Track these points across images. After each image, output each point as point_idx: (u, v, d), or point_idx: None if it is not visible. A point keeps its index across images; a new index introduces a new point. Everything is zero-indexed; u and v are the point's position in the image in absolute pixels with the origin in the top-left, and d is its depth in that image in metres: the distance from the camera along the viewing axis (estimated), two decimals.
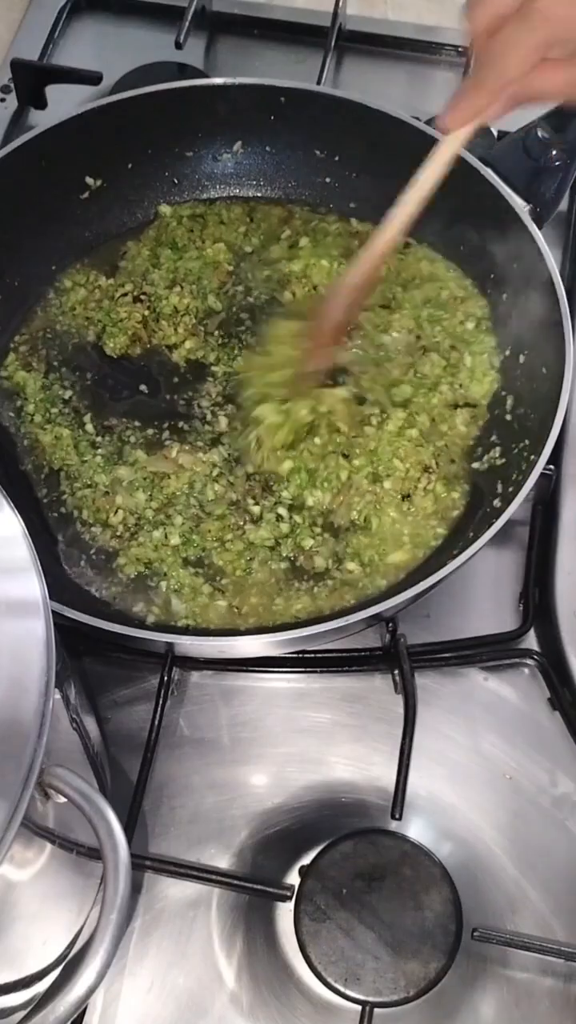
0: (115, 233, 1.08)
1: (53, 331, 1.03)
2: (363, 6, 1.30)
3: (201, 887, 0.82)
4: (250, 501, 0.92)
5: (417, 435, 0.94)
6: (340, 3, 1.23)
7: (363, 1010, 0.76)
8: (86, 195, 1.06)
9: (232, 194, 1.11)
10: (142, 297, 1.03)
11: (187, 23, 1.18)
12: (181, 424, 0.97)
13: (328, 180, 1.09)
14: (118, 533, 0.91)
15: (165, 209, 1.08)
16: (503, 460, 0.93)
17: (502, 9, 0.70)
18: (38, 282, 1.05)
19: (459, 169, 0.97)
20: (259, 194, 1.11)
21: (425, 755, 0.86)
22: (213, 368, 1.00)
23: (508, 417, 0.95)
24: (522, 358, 0.97)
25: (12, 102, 1.22)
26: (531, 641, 0.92)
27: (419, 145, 1.00)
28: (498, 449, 0.94)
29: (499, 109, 0.74)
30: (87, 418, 0.97)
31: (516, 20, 0.69)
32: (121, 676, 0.90)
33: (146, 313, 1.02)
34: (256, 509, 0.92)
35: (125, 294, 1.03)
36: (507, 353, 0.99)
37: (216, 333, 1.02)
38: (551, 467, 0.93)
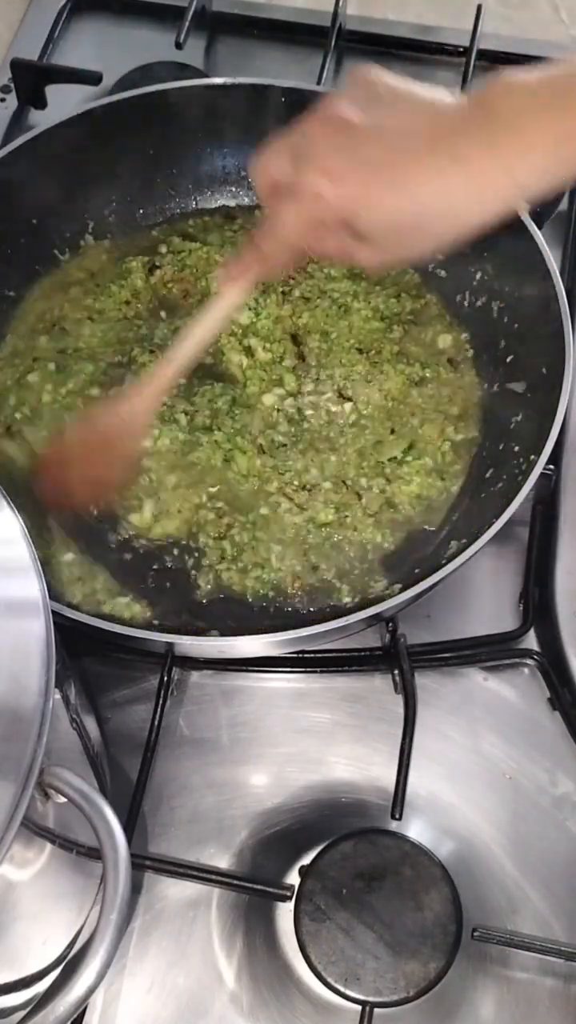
0: None
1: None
2: (363, 6, 1.30)
3: (201, 887, 0.82)
4: None
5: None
6: (340, 3, 1.23)
7: (363, 1010, 0.76)
8: (86, 195, 1.06)
9: (232, 193, 1.11)
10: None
11: (187, 23, 1.18)
12: None
13: None
14: None
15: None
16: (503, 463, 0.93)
17: (279, 177, 0.74)
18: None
19: None
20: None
21: (425, 755, 0.86)
22: None
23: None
24: (521, 358, 0.97)
25: (12, 102, 1.22)
26: (531, 641, 0.92)
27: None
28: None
29: (282, 265, 0.78)
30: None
31: (287, 195, 0.72)
32: (121, 676, 0.90)
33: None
34: None
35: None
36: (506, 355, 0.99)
37: None
38: (551, 467, 0.93)
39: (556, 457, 0.95)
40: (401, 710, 0.85)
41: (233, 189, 1.11)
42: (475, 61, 1.21)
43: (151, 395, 0.85)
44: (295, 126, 0.74)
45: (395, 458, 0.95)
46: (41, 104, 1.21)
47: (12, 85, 1.21)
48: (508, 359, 0.99)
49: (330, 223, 0.72)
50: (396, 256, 0.77)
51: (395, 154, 0.69)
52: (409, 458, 0.95)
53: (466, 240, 0.72)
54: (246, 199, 1.11)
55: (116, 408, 0.86)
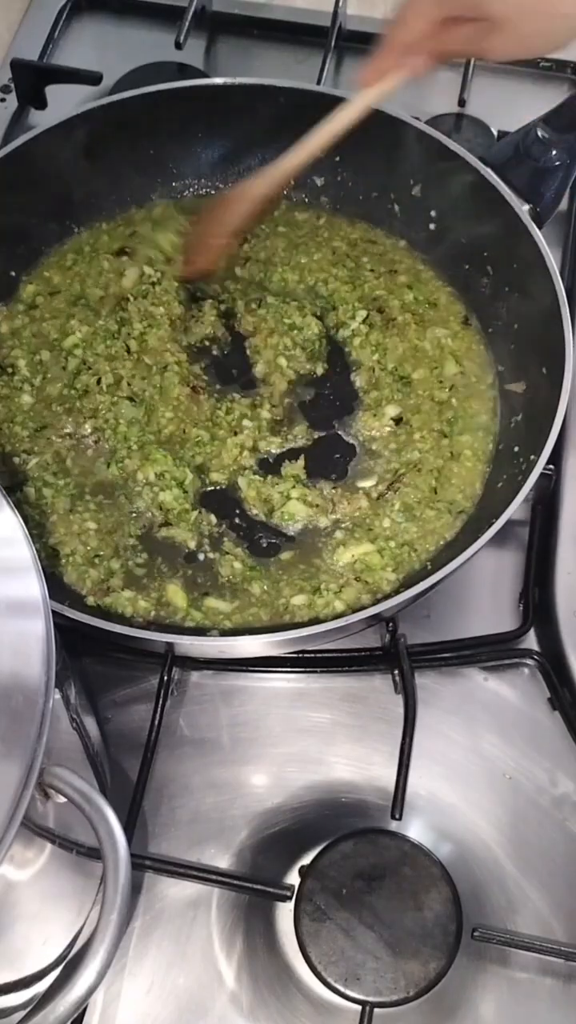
0: None
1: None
2: (363, 6, 1.30)
3: (201, 887, 0.82)
4: None
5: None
6: (340, 3, 1.23)
7: (363, 1010, 0.76)
8: (86, 195, 1.06)
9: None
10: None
11: (187, 23, 1.18)
12: None
13: (327, 180, 1.09)
14: None
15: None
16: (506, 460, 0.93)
17: None
18: None
19: (459, 169, 0.98)
20: None
21: (425, 755, 0.86)
22: None
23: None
24: (521, 358, 0.97)
25: (12, 102, 1.22)
26: (531, 641, 0.92)
27: (419, 145, 1.01)
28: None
29: (413, 66, 0.81)
30: None
31: None
32: (121, 676, 0.90)
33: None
34: None
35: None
36: (506, 355, 0.99)
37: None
38: (551, 467, 0.93)
39: (556, 457, 0.95)
40: (401, 710, 0.85)
41: (232, 188, 1.11)
42: (475, 61, 1.21)
43: (271, 177, 0.94)
44: None
45: None
46: (41, 104, 1.21)
47: (12, 85, 1.21)
48: (508, 359, 0.99)
49: (458, 5, 0.74)
50: (527, 43, 0.78)
51: None
52: None
53: None
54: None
55: (246, 181, 0.96)
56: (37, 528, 0.89)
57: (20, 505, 0.89)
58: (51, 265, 1.06)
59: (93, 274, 1.03)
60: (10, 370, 0.99)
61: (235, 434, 0.96)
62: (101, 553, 0.89)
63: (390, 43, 0.81)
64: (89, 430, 0.95)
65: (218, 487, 0.94)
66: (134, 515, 0.92)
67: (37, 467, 0.93)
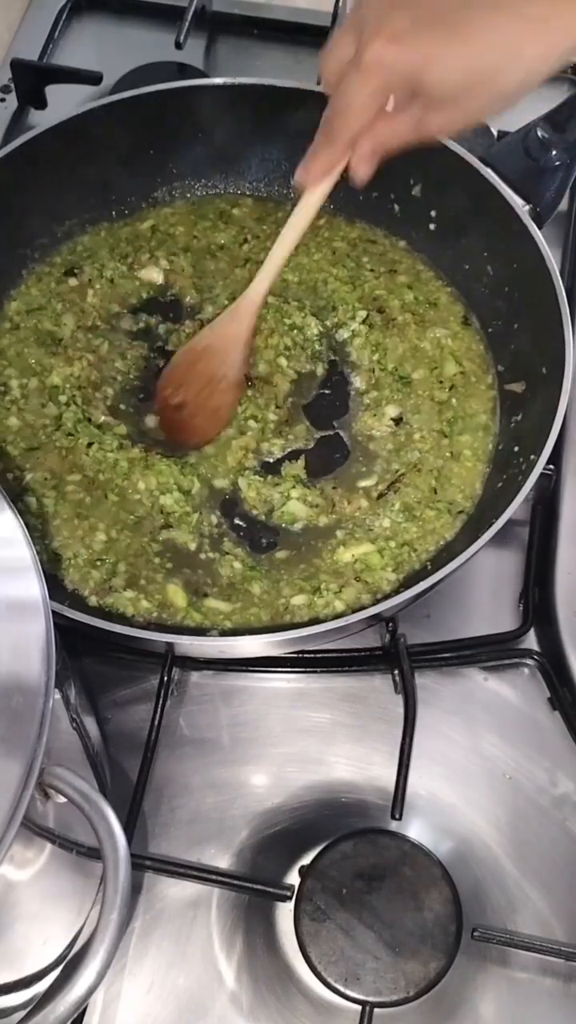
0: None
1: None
2: None
3: (201, 887, 0.82)
4: None
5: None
6: (340, 3, 1.23)
7: (363, 1010, 0.76)
8: (86, 195, 1.06)
9: (230, 193, 1.11)
10: None
11: (187, 23, 1.18)
12: None
13: None
14: None
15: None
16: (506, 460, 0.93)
17: (344, 59, 0.71)
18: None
19: (459, 169, 0.98)
20: (257, 194, 1.11)
21: (425, 755, 0.86)
22: None
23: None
24: (521, 358, 0.97)
25: (12, 102, 1.22)
26: (531, 641, 0.92)
27: (419, 145, 1.01)
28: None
29: (360, 165, 0.76)
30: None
31: (350, 70, 0.70)
32: (121, 676, 0.90)
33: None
34: None
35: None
36: (506, 355, 0.99)
37: None
38: (551, 467, 0.93)
39: (556, 457, 0.95)
40: (401, 710, 0.85)
41: (233, 188, 1.11)
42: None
43: (248, 312, 0.89)
44: (357, 6, 0.72)
45: None
46: (41, 104, 1.21)
47: (12, 85, 1.21)
48: (508, 359, 0.99)
49: (397, 89, 0.70)
50: (467, 116, 0.74)
51: (456, 11, 0.67)
52: None
53: (533, 89, 0.70)
54: (249, 200, 1.11)
55: (215, 331, 0.89)
56: (39, 533, 0.89)
57: (22, 514, 0.89)
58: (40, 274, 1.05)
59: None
60: (2, 388, 0.98)
61: (242, 434, 0.96)
62: (104, 557, 0.89)
63: (335, 136, 0.74)
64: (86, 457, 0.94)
65: (220, 489, 0.94)
66: (135, 519, 0.91)
67: (34, 481, 0.93)
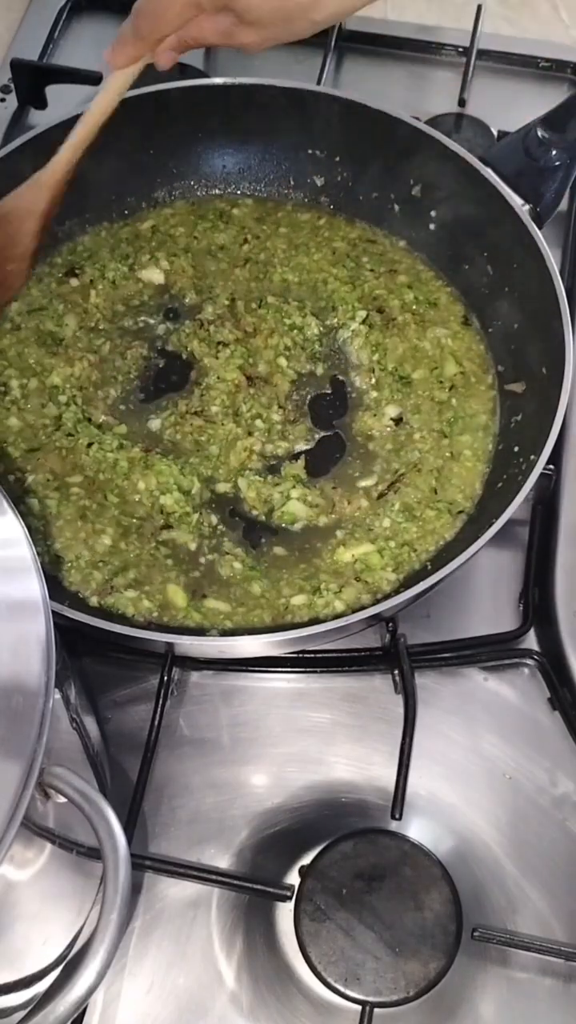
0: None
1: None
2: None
3: (201, 887, 0.82)
4: None
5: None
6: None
7: (363, 1010, 0.76)
8: (86, 195, 1.06)
9: (231, 193, 1.11)
10: None
11: None
12: None
13: (327, 180, 1.09)
14: None
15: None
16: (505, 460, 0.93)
17: None
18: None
19: (459, 169, 0.99)
20: (257, 194, 1.11)
21: (425, 755, 0.86)
22: None
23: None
24: (521, 358, 0.97)
25: (12, 102, 1.22)
26: (531, 641, 0.92)
27: (419, 145, 1.01)
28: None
29: (165, 57, 0.83)
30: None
31: None
32: (121, 676, 0.90)
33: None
34: None
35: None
36: (506, 355, 0.99)
37: None
38: (551, 467, 0.93)
39: (556, 457, 0.95)
40: (401, 710, 0.85)
41: (233, 188, 1.11)
42: (475, 61, 1.21)
43: (48, 184, 0.88)
44: None
45: None
46: (41, 104, 1.21)
47: (12, 85, 1.21)
48: (508, 359, 0.99)
49: (209, 6, 0.77)
50: (277, 39, 0.82)
51: None
52: None
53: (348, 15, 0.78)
54: (249, 200, 1.11)
55: (13, 200, 0.89)
56: (42, 535, 0.89)
57: (24, 517, 0.89)
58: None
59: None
60: (2, 388, 0.98)
61: (249, 435, 0.96)
62: (105, 558, 0.89)
63: (144, 35, 0.79)
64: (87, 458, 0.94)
65: (220, 490, 0.94)
66: (136, 520, 0.91)
67: (36, 483, 0.93)
